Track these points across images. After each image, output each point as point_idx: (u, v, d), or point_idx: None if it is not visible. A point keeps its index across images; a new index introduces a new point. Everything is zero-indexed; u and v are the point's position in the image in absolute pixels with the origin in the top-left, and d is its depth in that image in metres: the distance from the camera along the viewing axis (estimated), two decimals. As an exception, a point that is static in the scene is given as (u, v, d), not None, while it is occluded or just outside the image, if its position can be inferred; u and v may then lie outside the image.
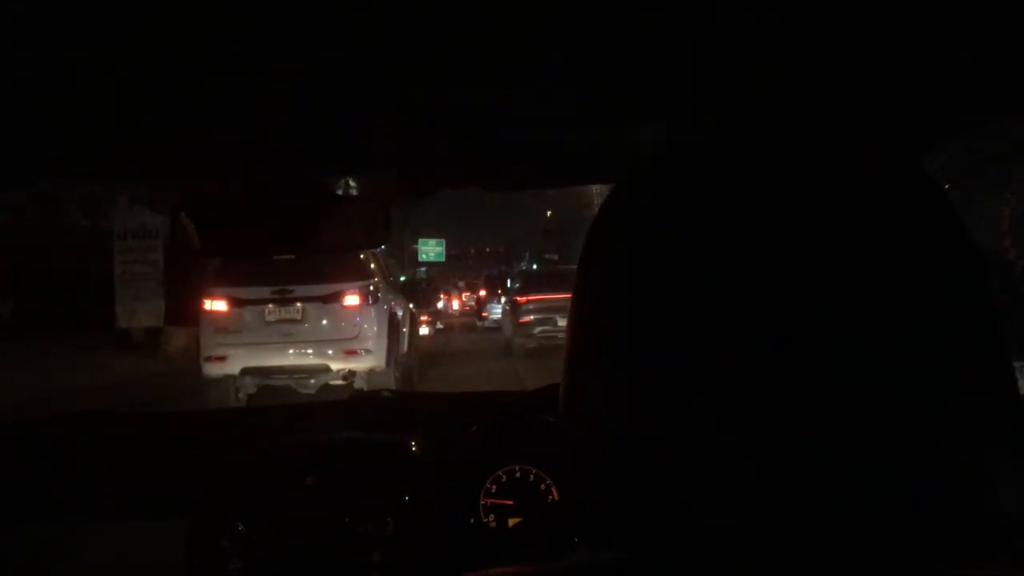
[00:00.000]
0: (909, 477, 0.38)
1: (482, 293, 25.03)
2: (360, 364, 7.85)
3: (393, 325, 8.45)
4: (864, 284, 0.38)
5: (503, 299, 18.10)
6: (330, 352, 7.79)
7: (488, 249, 46.13)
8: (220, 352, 7.71)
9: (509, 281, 21.82)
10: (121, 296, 14.03)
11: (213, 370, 7.75)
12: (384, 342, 8.05)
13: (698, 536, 0.40)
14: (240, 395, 7.80)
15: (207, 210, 1.27)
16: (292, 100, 0.92)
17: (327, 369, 7.82)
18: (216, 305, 7.80)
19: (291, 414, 1.86)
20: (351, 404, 1.81)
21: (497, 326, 19.17)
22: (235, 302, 7.73)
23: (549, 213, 43.44)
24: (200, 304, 7.94)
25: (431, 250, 35.42)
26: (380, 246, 1.37)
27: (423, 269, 33.47)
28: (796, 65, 0.79)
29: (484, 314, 22.64)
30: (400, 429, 1.51)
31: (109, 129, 1.01)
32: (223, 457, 1.43)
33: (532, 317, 12.61)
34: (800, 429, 0.38)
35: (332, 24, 0.71)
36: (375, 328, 7.95)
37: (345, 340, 7.82)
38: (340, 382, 7.88)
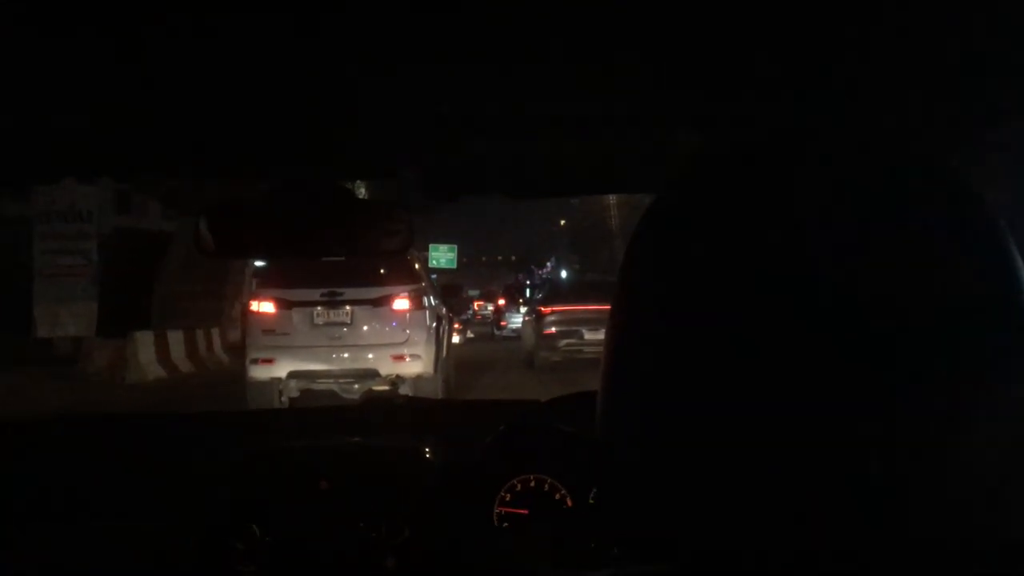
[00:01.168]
0: (930, 497, 0.38)
1: (500, 302, 24.81)
2: (408, 369, 7.78)
3: (438, 330, 8.42)
4: (900, 296, 0.38)
5: (523, 308, 17.71)
6: (379, 356, 7.73)
7: (500, 257, 45.84)
8: (267, 354, 7.62)
9: (528, 290, 21.59)
10: (41, 296, 10.53)
11: (260, 373, 7.65)
12: (432, 347, 8.00)
13: (726, 550, 0.40)
14: (283, 398, 7.67)
15: (224, 211, 1.27)
16: (316, 103, 0.93)
17: (376, 374, 7.74)
18: (264, 307, 7.73)
19: (306, 418, 1.86)
20: (365, 409, 1.80)
21: (515, 335, 19.05)
22: (283, 304, 7.66)
23: (563, 222, 43.29)
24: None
25: (442, 256, 35.08)
26: (401, 252, 1.40)
27: (433, 277, 33.14)
28: (822, 70, 0.79)
29: (503, 323, 22.79)
30: (415, 435, 1.53)
31: (131, 129, 1.01)
32: (238, 459, 1.44)
33: (557, 329, 12.12)
34: (834, 449, 0.38)
35: (356, 30, 0.71)
36: (424, 333, 7.90)
37: (394, 345, 7.76)
38: (385, 387, 7.79)
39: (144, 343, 12.11)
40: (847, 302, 0.38)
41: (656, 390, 0.42)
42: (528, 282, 28.45)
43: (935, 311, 0.38)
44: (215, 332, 15.66)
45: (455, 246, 35.80)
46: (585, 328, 11.61)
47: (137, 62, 0.80)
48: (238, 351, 15.49)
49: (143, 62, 0.80)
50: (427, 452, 1.47)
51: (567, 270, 30.15)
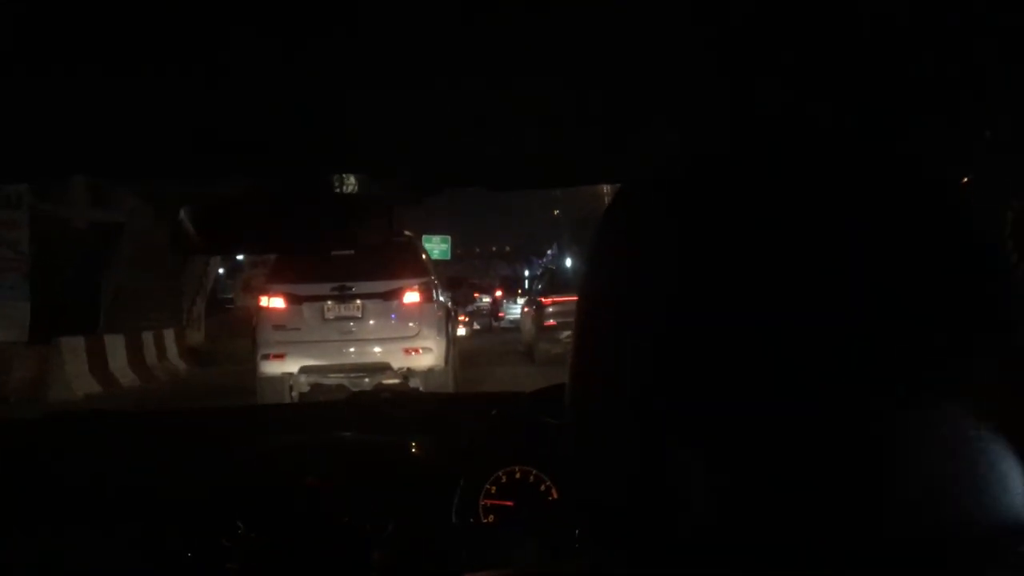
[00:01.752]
0: (913, 491, 0.38)
1: (498, 294, 24.72)
2: (420, 362, 7.81)
3: (447, 323, 8.49)
4: (867, 293, 0.39)
5: (521, 300, 17.17)
6: (391, 350, 7.75)
7: (494, 248, 45.08)
8: (279, 350, 7.64)
9: (527, 282, 21.47)
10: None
11: (271, 368, 7.68)
12: (443, 340, 8.07)
13: (694, 544, 0.40)
14: (293, 393, 7.73)
15: (208, 206, 1.26)
16: (295, 98, 0.93)
17: (387, 367, 7.76)
18: (274, 302, 7.76)
19: (291, 414, 1.93)
20: (351, 405, 1.83)
21: (513, 326, 19.06)
22: (293, 299, 7.68)
23: (557, 212, 42.69)
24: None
25: (436, 248, 34.34)
26: (380, 243, 1.32)
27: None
28: (802, 71, 0.79)
29: (500, 314, 22.83)
30: (400, 430, 1.53)
31: (117, 128, 1.01)
32: (223, 456, 1.44)
33: (558, 320, 11.62)
34: (799, 439, 0.38)
35: (337, 24, 0.72)
36: (434, 326, 7.95)
37: (406, 338, 7.78)
38: (395, 381, 7.82)
39: (72, 351, 9.88)
40: (825, 298, 0.38)
41: (624, 379, 0.42)
42: (527, 272, 27.93)
43: (918, 311, 0.38)
44: (170, 335, 13.50)
45: (448, 237, 35.20)
46: None
47: (126, 57, 0.79)
48: (201, 357, 13.74)
49: (132, 57, 0.79)
50: (412, 446, 1.48)
51: (570, 258, 29.45)
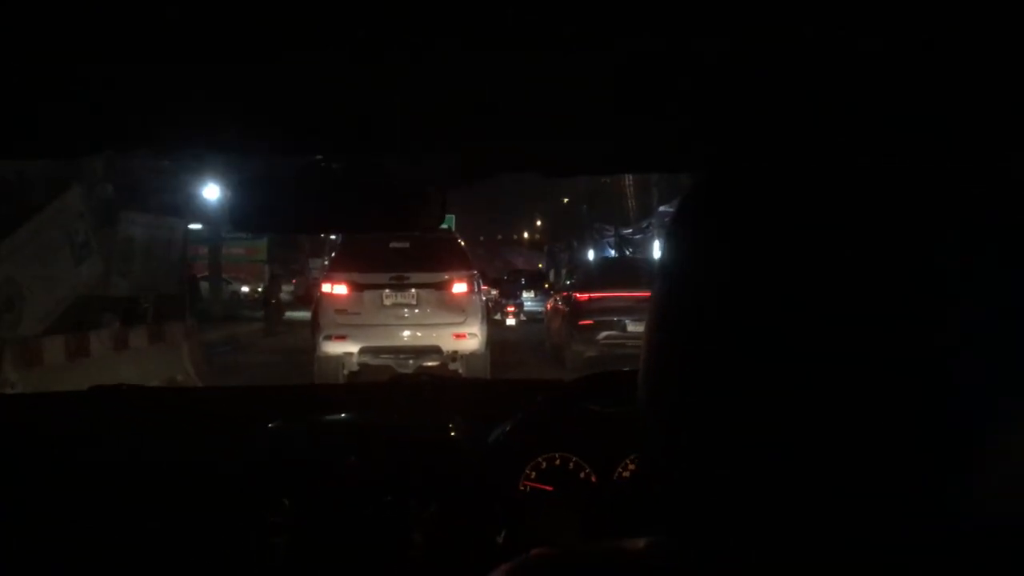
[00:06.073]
0: (976, 492, 0.38)
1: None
2: (466, 346, 8.99)
3: (487, 312, 9.84)
4: (947, 293, 0.38)
5: (553, 294, 15.52)
6: (442, 335, 8.90)
7: (500, 236, 43.36)
8: (341, 331, 8.80)
9: (552, 273, 20.20)
10: None
11: (332, 348, 8.85)
12: (485, 327, 9.32)
13: (762, 533, 0.41)
14: (344, 371, 8.93)
15: (260, 183, 1.29)
16: (350, 80, 0.94)
17: (438, 350, 8.96)
18: (337, 288, 8.91)
19: (335, 394, 1.98)
20: (391, 388, 1.88)
21: (526, 318, 19.00)
22: (355, 286, 8.85)
23: (566, 200, 41.16)
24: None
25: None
26: (433, 228, 1.36)
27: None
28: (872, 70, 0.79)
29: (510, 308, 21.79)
30: (441, 413, 1.58)
31: (169, 100, 1.02)
32: (269, 433, 1.51)
33: (595, 319, 10.54)
34: (875, 437, 0.39)
35: (390, 6, 0.73)
36: (478, 314, 9.18)
37: (454, 324, 8.94)
38: (435, 363, 9.01)
39: None
40: (896, 306, 0.38)
41: (702, 383, 0.43)
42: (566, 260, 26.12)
43: (987, 319, 0.38)
44: None
45: (452, 216, 33.55)
46: (628, 319, 10.19)
47: (175, 29, 0.77)
48: None
49: (183, 30, 0.77)
50: (452, 428, 1.52)
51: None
